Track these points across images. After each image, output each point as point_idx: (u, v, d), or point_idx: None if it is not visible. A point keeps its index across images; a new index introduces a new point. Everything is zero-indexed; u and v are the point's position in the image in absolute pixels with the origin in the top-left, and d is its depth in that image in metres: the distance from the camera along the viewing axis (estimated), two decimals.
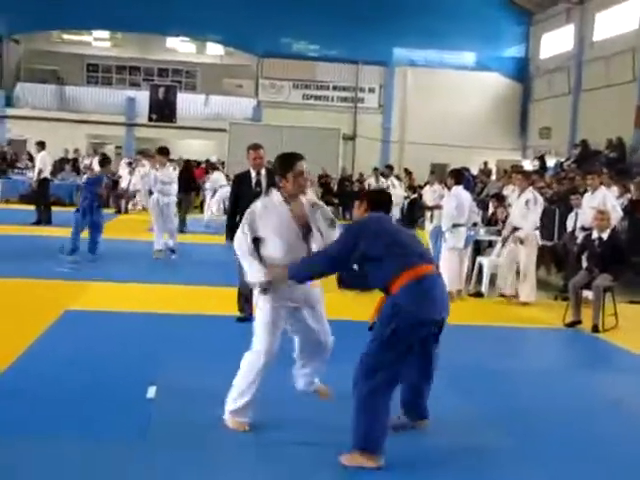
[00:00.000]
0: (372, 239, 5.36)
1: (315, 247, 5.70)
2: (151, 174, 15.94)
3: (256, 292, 5.85)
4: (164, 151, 15.80)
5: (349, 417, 5.14)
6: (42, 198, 20.73)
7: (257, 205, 6.05)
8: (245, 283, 9.11)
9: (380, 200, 5.94)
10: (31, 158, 28.54)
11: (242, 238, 5.83)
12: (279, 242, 5.70)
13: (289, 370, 6.14)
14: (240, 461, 5.34)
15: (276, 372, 5.72)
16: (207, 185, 25.28)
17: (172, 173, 15.36)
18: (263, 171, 9.61)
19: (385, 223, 5.66)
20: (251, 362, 5.71)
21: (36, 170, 21.60)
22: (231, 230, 8.97)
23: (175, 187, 15.46)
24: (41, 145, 22.02)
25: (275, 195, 6.00)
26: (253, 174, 9.59)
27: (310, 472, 5.15)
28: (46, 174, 21.01)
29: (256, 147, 9.73)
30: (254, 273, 5.77)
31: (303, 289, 5.74)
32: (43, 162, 21.07)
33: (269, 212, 5.84)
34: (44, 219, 19.96)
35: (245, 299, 9.36)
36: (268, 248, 5.78)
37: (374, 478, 5.06)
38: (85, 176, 16.75)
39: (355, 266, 5.50)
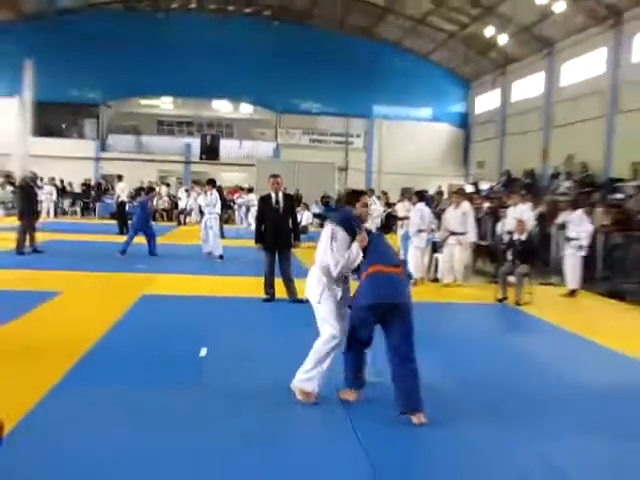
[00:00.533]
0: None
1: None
2: (200, 198, 15.82)
3: (319, 290, 5.13)
4: (212, 182, 15.72)
5: None
6: (121, 216, 20.64)
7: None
8: (270, 271, 9.42)
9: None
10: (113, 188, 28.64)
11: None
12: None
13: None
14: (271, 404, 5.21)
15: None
16: (239, 201, 25.39)
17: (215, 197, 15.10)
18: (280, 193, 9.58)
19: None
20: (325, 341, 5.02)
21: (115, 196, 21.64)
22: (259, 235, 9.53)
23: (218, 207, 15.20)
24: (119, 178, 22.42)
25: None
26: (273, 195, 9.53)
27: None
28: (123, 198, 21.02)
29: (275, 176, 9.68)
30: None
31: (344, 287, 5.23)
32: (121, 190, 21.35)
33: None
34: (123, 231, 19.78)
35: (270, 284, 9.54)
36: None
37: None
38: (138, 199, 16.59)
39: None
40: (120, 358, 6.15)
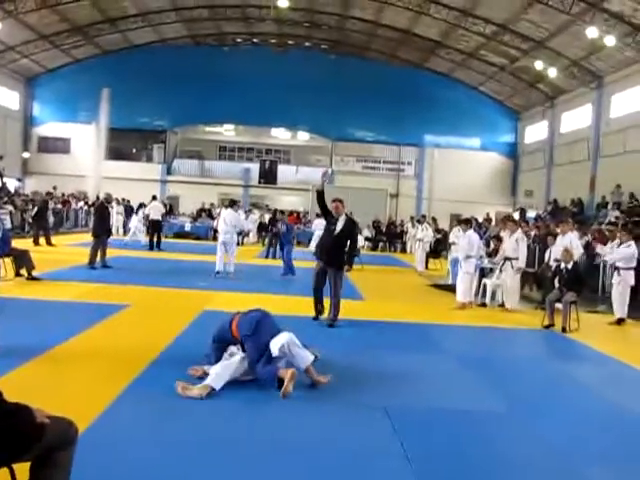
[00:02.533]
0: None
1: None
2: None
3: None
4: (233, 202, 15.61)
5: None
6: (153, 233, 20.65)
7: None
8: (316, 288, 9.47)
9: None
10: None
11: None
12: None
13: None
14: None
15: None
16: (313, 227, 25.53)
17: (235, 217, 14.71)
18: (342, 217, 9.51)
19: None
20: None
21: (144, 214, 21.72)
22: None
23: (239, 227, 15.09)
24: (153, 197, 22.22)
25: None
26: (336, 216, 9.55)
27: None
28: (153, 217, 20.65)
29: (336, 200, 9.64)
30: None
31: None
32: (152, 209, 20.93)
33: None
34: (155, 246, 20.19)
35: (319, 300, 9.58)
36: None
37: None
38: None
39: None
40: (182, 367, 6.25)
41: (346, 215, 9.70)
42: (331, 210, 9.59)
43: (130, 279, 12.63)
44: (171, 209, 31.30)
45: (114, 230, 24.39)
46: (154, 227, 20.82)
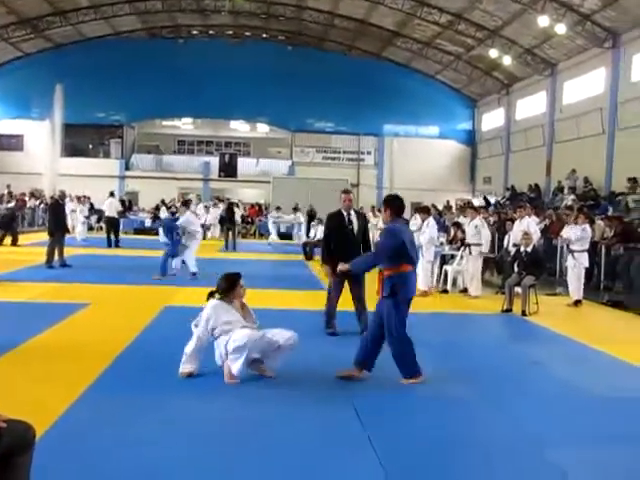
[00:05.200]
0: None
1: None
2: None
3: None
4: (186, 202, 15.02)
5: None
6: (110, 231, 20.39)
7: None
8: (337, 300, 8.06)
9: (400, 207, 6.13)
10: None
11: None
12: None
13: None
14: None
15: None
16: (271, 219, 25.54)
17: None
18: (353, 212, 8.22)
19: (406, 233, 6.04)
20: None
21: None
22: (329, 255, 8.03)
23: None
24: (111, 194, 21.96)
25: None
26: (345, 214, 8.14)
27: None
28: (108, 214, 20.65)
29: (347, 192, 8.33)
30: None
31: None
32: (107, 206, 20.88)
33: None
34: (113, 244, 19.97)
35: (334, 315, 8.18)
36: None
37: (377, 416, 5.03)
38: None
39: None
40: (143, 365, 6.21)
41: (354, 210, 8.41)
42: (341, 209, 8.20)
43: (89, 277, 12.43)
44: (130, 205, 30.86)
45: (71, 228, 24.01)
46: (110, 224, 20.57)
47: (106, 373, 5.87)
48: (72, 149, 33.83)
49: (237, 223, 23.28)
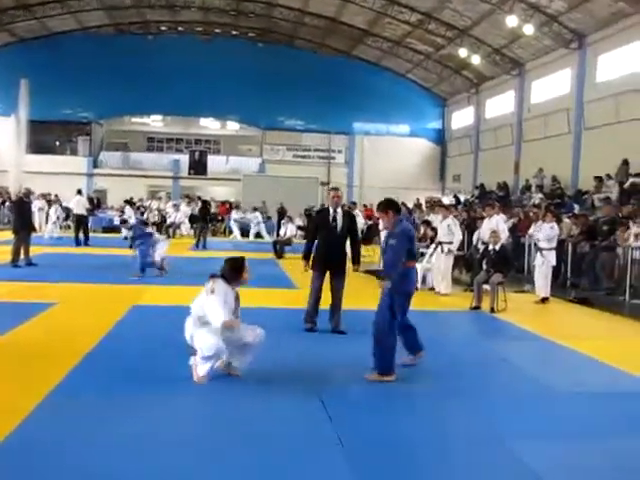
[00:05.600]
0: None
1: None
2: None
3: None
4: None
5: None
6: (78, 227, 20.13)
7: None
8: (317, 297, 8.15)
9: (398, 206, 6.51)
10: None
11: None
12: None
13: None
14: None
15: None
16: (234, 216, 25.51)
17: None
18: (339, 210, 8.35)
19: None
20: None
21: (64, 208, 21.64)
22: (309, 252, 8.29)
23: None
24: (78, 191, 21.59)
25: None
26: (331, 210, 8.29)
27: None
28: (77, 211, 20.36)
29: (335, 189, 8.56)
30: None
31: None
32: (75, 203, 20.66)
33: None
34: (82, 242, 19.73)
35: (314, 312, 8.27)
36: None
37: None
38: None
39: None
40: (110, 366, 6.12)
41: (342, 208, 8.59)
42: (327, 205, 8.39)
43: (56, 276, 12.22)
44: (99, 203, 30.46)
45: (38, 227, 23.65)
46: (79, 222, 20.28)
47: (72, 374, 5.76)
48: (38, 146, 33.22)
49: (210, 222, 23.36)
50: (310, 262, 8.26)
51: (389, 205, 6.34)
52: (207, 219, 21.90)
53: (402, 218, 6.51)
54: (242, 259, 5.88)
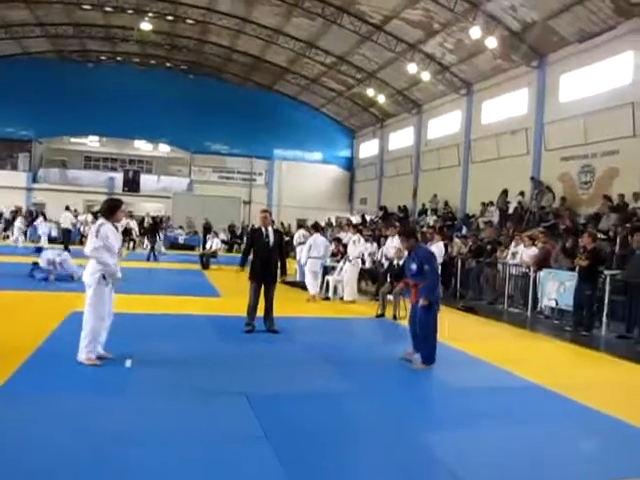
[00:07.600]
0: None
1: None
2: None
3: None
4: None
5: None
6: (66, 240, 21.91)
7: None
8: (255, 303, 8.44)
9: (414, 233, 7.48)
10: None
11: None
12: None
13: None
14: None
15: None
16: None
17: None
18: (270, 228, 8.72)
19: None
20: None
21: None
22: (244, 262, 8.77)
23: None
24: (66, 208, 23.48)
25: None
26: (263, 229, 8.65)
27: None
28: (64, 225, 22.57)
29: (265, 211, 8.93)
30: None
31: None
32: (63, 219, 22.82)
33: None
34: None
35: (253, 316, 8.53)
36: None
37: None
38: None
39: None
40: (52, 368, 5.90)
41: (272, 226, 8.90)
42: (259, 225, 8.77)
43: None
44: (37, 215, 29.09)
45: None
46: (65, 235, 21.98)
47: (9, 381, 5.42)
48: None
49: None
50: (247, 272, 8.61)
51: (408, 234, 7.23)
52: (155, 234, 22.75)
53: (420, 244, 7.43)
54: (118, 201, 6.44)
